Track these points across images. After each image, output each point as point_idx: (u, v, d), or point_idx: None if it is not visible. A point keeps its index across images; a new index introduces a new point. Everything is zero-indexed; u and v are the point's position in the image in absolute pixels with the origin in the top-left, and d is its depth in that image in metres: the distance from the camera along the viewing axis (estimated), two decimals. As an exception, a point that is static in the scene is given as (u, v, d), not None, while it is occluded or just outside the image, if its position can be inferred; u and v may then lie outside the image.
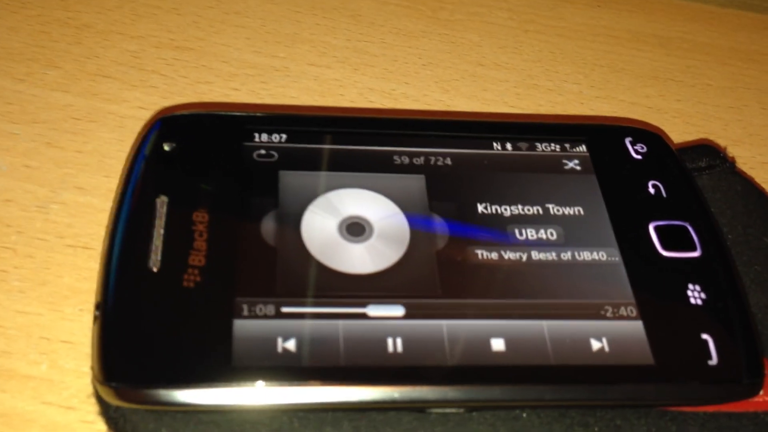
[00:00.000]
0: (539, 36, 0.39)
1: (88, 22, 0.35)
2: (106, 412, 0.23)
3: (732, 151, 0.35)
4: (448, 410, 0.23)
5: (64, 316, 0.26)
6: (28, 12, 0.35)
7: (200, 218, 0.24)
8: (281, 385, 0.22)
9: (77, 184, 0.29)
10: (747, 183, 0.30)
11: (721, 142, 0.35)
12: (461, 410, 0.23)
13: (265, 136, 0.27)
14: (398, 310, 0.24)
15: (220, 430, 0.22)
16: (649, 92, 0.37)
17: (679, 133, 0.35)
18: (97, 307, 0.23)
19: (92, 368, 0.22)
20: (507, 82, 0.36)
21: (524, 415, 0.23)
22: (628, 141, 0.29)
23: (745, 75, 0.39)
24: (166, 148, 0.26)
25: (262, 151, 0.27)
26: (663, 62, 0.39)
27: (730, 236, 0.28)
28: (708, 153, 0.31)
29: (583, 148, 0.29)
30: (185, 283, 0.23)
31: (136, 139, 0.27)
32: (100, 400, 0.23)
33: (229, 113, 0.28)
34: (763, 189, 0.31)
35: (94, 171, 0.30)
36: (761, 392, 0.25)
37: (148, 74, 0.33)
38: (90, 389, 0.24)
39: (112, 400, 0.22)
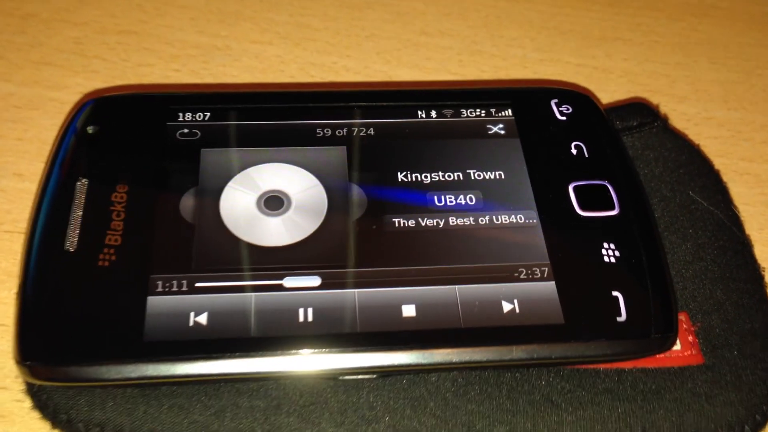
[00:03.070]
0: (485, 0, 0.39)
1: (33, 12, 0.36)
2: (31, 390, 0.24)
3: (678, 107, 0.35)
4: (359, 377, 0.23)
5: (0, 300, 0.27)
6: (-29, 4, 0.36)
7: (119, 199, 0.25)
8: (190, 359, 0.22)
9: (16, 171, 0.30)
10: (678, 139, 0.30)
11: (667, 99, 0.35)
12: (372, 376, 0.24)
13: (188, 115, 0.28)
14: (314, 281, 0.24)
15: (137, 404, 0.23)
16: (595, 53, 0.37)
17: (623, 93, 0.35)
18: (19, 289, 0.24)
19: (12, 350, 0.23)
20: (450, 50, 0.36)
21: (433, 379, 0.24)
22: (553, 103, 0.29)
23: (697, 30, 0.38)
24: (90, 131, 0.27)
25: (185, 130, 0.27)
26: (612, 21, 0.38)
27: (658, 192, 0.28)
28: (640, 111, 0.30)
29: (508, 112, 0.29)
30: (101, 263, 0.24)
31: (62, 124, 0.28)
32: (26, 383, 0.24)
33: (153, 94, 0.28)
34: (695, 144, 0.30)
35: (34, 158, 0.30)
36: (677, 347, 0.25)
37: (90, 60, 0.34)
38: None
39: (28, 378, 0.22)
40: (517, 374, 0.24)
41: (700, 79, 0.36)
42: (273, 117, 0.28)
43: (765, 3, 0.39)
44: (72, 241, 0.24)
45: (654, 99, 0.34)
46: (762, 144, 0.33)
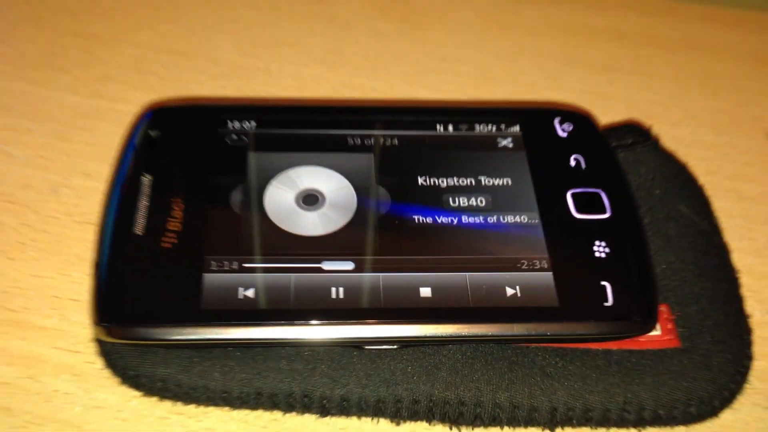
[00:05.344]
0: (500, 32, 0.43)
1: (96, 33, 0.40)
2: (103, 350, 0.28)
3: (670, 131, 0.38)
4: (382, 347, 0.27)
5: (72, 280, 0.31)
6: (44, 25, 0.40)
7: (179, 191, 0.29)
8: (239, 325, 0.26)
9: (84, 171, 0.34)
10: (668, 157, 0.34)
11: (662, 123, 0.38)
12: (393, 346, 0.27)
13: (237, 124, 0.32)
14: (348, 265, 0.28)
15: (193, 364, 0.27)
16: (599, 81, 0.41)
17: (622, 116, 0.39)
18: (94, 265, 0.28)
19: (90, 313, 0.27)
20: (467, 75, 0.41)
21: (445, 351, 0.28)
22: (556, 121, 0.33)
23: (691, 63, 0.42)
24: (152, 134, 0.31)
25: (234, 136, 0.32)
26: (614, 54, 0.42)
27: (648, 201, 0.32)
28: (634, 131, 0.34)
29: (516, 128, 0.33)
30: (164, 244, 0.28)
31: (129, 129, 0.32)
32: (99, 342, 0.28)
33: (207, 105, 0.33)
34: (683, 163, 0.34)
35: (99, 160, 0.35)
36: (658, 332, 0.29)
37: (147, 76, 0.39)
38: (91, 336, 0.29)
39: (103, 337, 0.26)
40: (517, 350, 0.28)
41: (692, 106, 0.40)
42: (310, 126, 0.32)
43: (754, 40, 0.43)
44: (139, 226, 0.28)
45: (649, 123, 0.38)
46: (744, 165, 0.37)
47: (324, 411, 0.27)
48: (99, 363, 0.28)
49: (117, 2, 0.42)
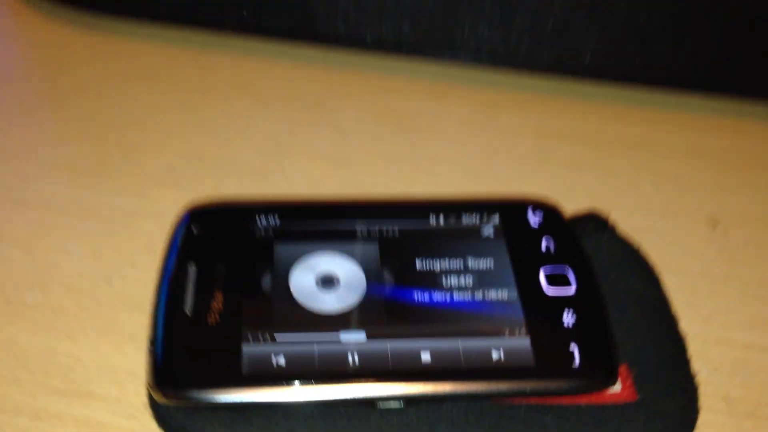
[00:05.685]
0: (480, 136, 0.50)
1: (135, 142, 0.47)
2: (157, 414, 0.33)
3: (627, 218, 0.45)
4: (391, 406, 0.33)
5: (127, 355, 0.36)
6: (92, 137, 0.47)
7: (219, 277, 0.35)
8: (274, 388, 0.32)
9: (132, 262, 0.40)
10: (624, 242, 0.40)
11: (619, 210, 0.45)
12: (400, 404, 0.33)
13: (263, 220, 0.38)
14: (361, 336, 0.34)
15: (235, 422, 0.32)
16: (565, 176, 0.48)
17: (585, 205, 0.45)
18: (150, 341, 0.34)
19: (147, 380, 0.33)
20: (453, 173, 0.47)
21: (443, 408, 0.33)
22: (529, 212, 0.40)
23: (643, 160, 0.49)
24: (194, 230, 0.37)
25: (262, 231, 0.38)
26: (578, 152, 0.49)
27: (606, 279, 0.38)
28: (594, 220, 0.41)
29: (496, 218, 0.39)
30: (209, 321, 0.34)
31: (173, 227, 0.38)
32: (153, 408, 0.33)
33: (237, 205, 0.39)
34: (637, 246, 0.41)
35: (145, 252, 0.41)
36: (618, 388, 0.34)
37: (181, 179, 0.45)
38: (146, 403, 0.34)
39: (160, 400, 0.32)
40: (504, 406, 0.34)
41: (644, 197, 0.47)
42: (325, 220, 0.39)
43: (695, 138, 0.51)
44: (188, 306, 0.34)
45: (608, 211, 0.44)
46: (690, 247, 0.44)
47: (342, 459, 0.32)
48: (153, 426, 0.33)
49: (150, 114, 0.49)
